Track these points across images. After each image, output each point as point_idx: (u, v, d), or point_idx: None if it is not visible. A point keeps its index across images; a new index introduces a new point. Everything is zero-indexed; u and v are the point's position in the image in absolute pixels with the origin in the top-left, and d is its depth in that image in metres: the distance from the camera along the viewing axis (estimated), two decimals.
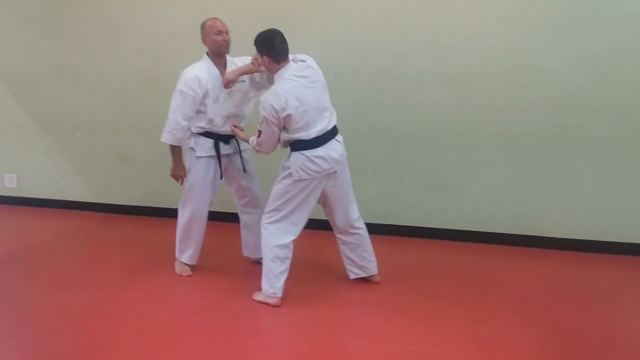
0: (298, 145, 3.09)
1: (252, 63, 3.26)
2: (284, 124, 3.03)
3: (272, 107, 2.95)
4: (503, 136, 4.11)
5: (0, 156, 5.49)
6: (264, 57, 3.08)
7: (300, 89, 3.00)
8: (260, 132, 3.09)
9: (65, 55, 5.05)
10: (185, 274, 3.69)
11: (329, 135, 3.12)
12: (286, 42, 3.07)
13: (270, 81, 3.19)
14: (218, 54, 3.39)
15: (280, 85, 3.01)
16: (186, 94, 3.30)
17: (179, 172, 3.50)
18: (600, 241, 4.09)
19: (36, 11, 5.03)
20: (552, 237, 4.16)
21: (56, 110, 5.19)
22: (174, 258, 3.76)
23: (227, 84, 3.32)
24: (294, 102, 2.96)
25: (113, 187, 5.21)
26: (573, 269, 3.83)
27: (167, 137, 3.38)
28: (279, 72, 3.07)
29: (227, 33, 3.35)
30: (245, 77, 3.42)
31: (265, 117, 3.00)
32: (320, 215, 3.46)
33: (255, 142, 3.18)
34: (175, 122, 3.34)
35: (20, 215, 5.24)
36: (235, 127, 3.45)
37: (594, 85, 3.89)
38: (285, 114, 2.96)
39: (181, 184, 3.52)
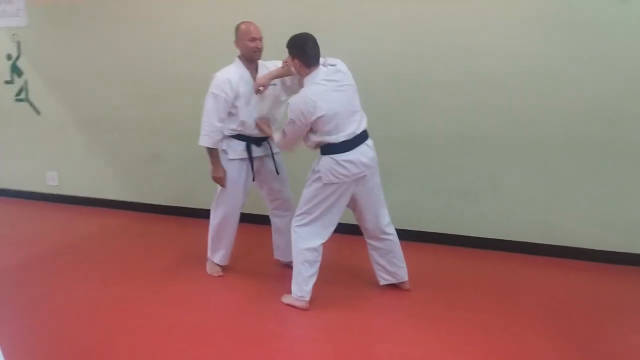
0: (327, 149, 3.09)
1: (283, 65, 3.30)
2: (313, 127, 3.05)
3: (300, 110, 2.98)
4: (535, 143, 4.02)
5: (43, 154, 5.67)
6: (295, 60, 3.10)
7: (329, 92, 3.01)
8: (285, 132, 3.14)
9: (104, 58, 5.20)
10: (216, 274, 3.74)
11: (359, 139, 3.11)
12: (318, 47, 3.09)
13: (301, 85, 3.20)
14: (250, 60, 3.43)
15: (310, 89, 3.03)
16: (218, 96, 3.34)
17: (220, 174, 3.50)
18: (634, 254, 3.95)
19: (78, 16, 5.21)
20: (584, 248, 4.04)
21: (95, 111, 5.34)
22: (205, 258, 3.80)
23: (258, 90, 3.35)
24: (322, 106, 2.97)
25: (148, 187, 5.32)
26: (605, 281, 3.72)
27: (205, 140, 3.42)
28: (309, 76, 3.08)
29: (260, 40, 3.39)
30: (277, 81, 3.45)
31: (292, 119, 3.03)
32: (352, 219, 3.45)
33: (279, 139, 3.26)
34: (211, 125, 3.39)
35: (60, 212, 5.40)
36: (261, 120, 3.47)
37: (634, 92, 3.77)
38: (313, 117, 2.98)
39: (223, 186, 3.53)
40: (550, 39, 3.87)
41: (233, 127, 3.46)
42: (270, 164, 3.61)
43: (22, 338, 2.91)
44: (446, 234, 4.38)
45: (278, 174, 3.61)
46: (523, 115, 4.02)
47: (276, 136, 3.29)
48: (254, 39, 3.36)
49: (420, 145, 4.30)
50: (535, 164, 4.05)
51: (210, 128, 3.39)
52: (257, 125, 3.47)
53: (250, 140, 3.51)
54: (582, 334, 2.98)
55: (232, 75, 3.37)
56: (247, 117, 3.44)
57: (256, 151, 3.55)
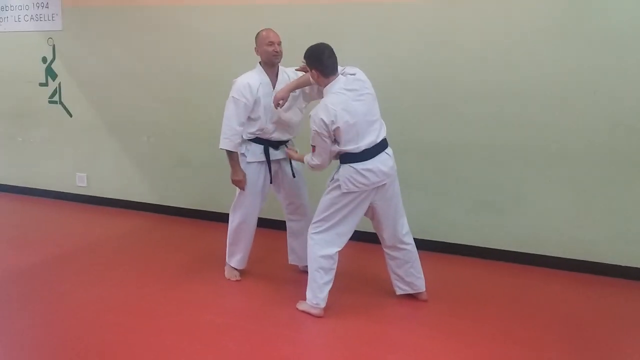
0: (347, 158, 3.09)
1: (298, 70, 3.38)
2: (334, 137, 3.06)
3: (322, 120, 2.99)
4: (561, 155, 3.95)
5: (73, 156, 5.81)
6: (312, 71, 3.12)
7: (349, 102, 3.02)
8: (314, 147, 3.13)
9: (133, 61, 5.31)
10: (233, 279, 3.76)
11: (379, 148, 3.11)
12: (335, 56, 3.10)
13: (320, 94, 3.22)
14: (270, 64, 3.48)
15: (329, 98, 3.04)
16: (238, 101, 3.40)
17: (239, 177, 3.52)
18: None
19: (109, 21, 5.33)
20: (610, 264, 3.94)
21: (124, 114, 5.45)
22: (224, 262, 3.84)
23: (278, 104, 3.36)
24: (343, 115, 2.98)
25: (172, 190, 5.39)
26: (632, 298, 3.62)
27: (225, 144, 3.46)
28: (328, 86, 3.10)
29: (278, 44, 3.44)
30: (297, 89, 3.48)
31: (316, 130, 3.03)
32: (369, 227, 3.44)
33: (310, 159, 3.21)
34: (231, 128, 3.43)
35: (87, 213, 5.51)
36: (289, 149, 3.53)
37: None
38: (334, 127, 2.99)
39: (242, 189, 3.55)
40: (577, 49, 3.81)
41: (252, 130, 3.50)
42: (287, 167, 3.64)
43: (41, 335, 2.98)
44: (466, 245, 4.32)
45: (294, 177, 3.63)
46: (547, 127, 3.96)
47: (307, 157, 3.26)
48: (271, 43, 3.41)
49: (442, 155, 4.27)
50: (559, 176, 3.98)
51: (231, 132, 3.43)
52: (288, 155, 3.51)
53: (268, 144, 3.55)
54: (602, 351, 2.91)
55: (252, 80, 3.43)
56: (267, 122, 3.48)
57: (274, 154, 3.58)
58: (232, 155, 3.50)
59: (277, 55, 3.45)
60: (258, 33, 3.47)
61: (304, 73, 3.39)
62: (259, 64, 3.52)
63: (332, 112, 2.97)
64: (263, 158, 3.54)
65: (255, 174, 3.57)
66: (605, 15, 3.73)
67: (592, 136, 3.86)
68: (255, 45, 3.49)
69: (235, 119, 3.42)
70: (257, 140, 3.55)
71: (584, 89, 3.84)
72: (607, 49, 3.75)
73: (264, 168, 3.57)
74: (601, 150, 3.85)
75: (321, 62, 3.08)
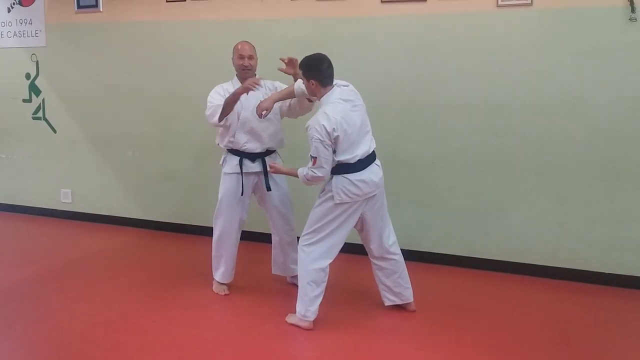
0: (341, 169, 3.12)
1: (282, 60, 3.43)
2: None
3: (324, 127, 2.97)
4: (543, 165, 4.03)
5: (58, 172, 5.76)
6: (310, 80, 3.12)
7: (347, 112, 3.06)
8: (314, 158, 3.04)
9: (116, 76, 5.31)
10: (222, 293, 3.75)
11: (370, 158, 3.17)
12: (332, 67, 3.14)
13: (304, 109, 3.24)
14: (241, 77, 3.54)
15: (329, 107, 3.05)
16: (213, 94, 3.52)
17: (243, 85, 3.36)
18: None
19: (93, 36, 5.34)
20: (594, 272, 4.00)
21: (109, 129, 5.43)
22: (212, 276, 3.83)
23: (262, 114, 3.33)
24: (342, 124, 3.01)
25: (158, 204, 5.37)
26: (617, 305, 3.67)
27: (212, 117, 3.45)
28: (325, 96, 3.13)
29: (249, 58, 3.50)
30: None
31: (319, 139, 2.99)
32: (357, 239, 3.46)
33: (308, 172, 3.09)
34: (211, 102, 3.48)
35: (73, 229, 5.46)
36: (272, 166, 3.44)
37: (638, 116, 3.78)
38: (335, 134, 3.00)
39: (256, 83, 3.33)
40: (560, 63, 3.91)
41: (224, 141, 3.57)
42: (263, 180, 3.63)
43: (26, 354, 2.94)
44: (452, 255, 4.36)
45: (269, 190, 3.61)
46: (529, 137, 4.04)
47: (302, 171, 3.14)
48: (241, 57, 3.49)
49: (427, 166, 4.32)
50: (542, 185, 4.06)
51: (212, 108, 3.45)
52: (273, 169, 3.43)
53: (244, 156, 3.56)
54: (586, 357, 2.95)
55: (226, 86, 3.54)
56: (237, 132, 3.52)
57: (250, 167, 3.58)
58: (225, 109, 3.41)
59: (246, 69, 3.50)
60: (235, 45, 3.54)
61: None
62: (235, 76, 3.60)
63: (333, 120, 2.98)
64: (239, 170, 3.56)
65: (232, 185, 3.59)
66: (584, 26, 3.83)
67: (573, 145, 3.94)
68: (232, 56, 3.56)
69: (214, 98, 3.49)
70: (233, 151, 3.58)
71: (563, 99, 3.92)
72: (586, 60, 3.85)
73: (240, 179, 3.58)
74: (582, 159, 3.93)
75: (321, 71, 3.09)
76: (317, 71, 3.11)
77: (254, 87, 3.29)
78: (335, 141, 3.03)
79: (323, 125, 2.98)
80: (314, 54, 3.16)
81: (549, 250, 4.10)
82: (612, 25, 3.76)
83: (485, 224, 4.24)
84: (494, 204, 4.20)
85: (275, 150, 3.69)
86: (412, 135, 4.33)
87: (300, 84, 3.26)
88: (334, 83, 3.16)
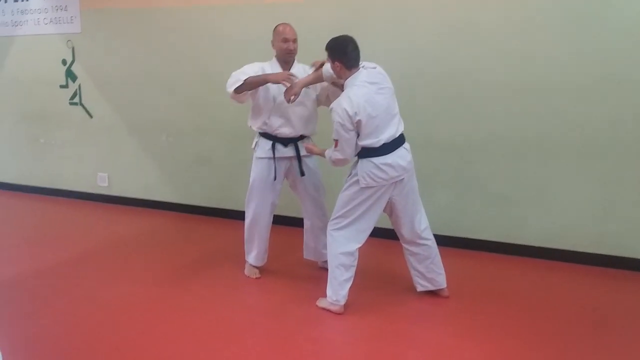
0: (366, 153, 3.06)
1: (313, 65, 3.36)
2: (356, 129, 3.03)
3: (346, 111, 2.94)
4: (587, 148, 3.86)
5: (94, 156, 5.86)
6: (335, 62, 3.07)
7: (371, 94, 2.99)
8: (336, 141, 3.06)
9: (150, 61, 5.34)
10: (253, 276, 3.76)
11: (397, 142, 3.08)
12: (358, 49, 3.07)
13: (333, 96, 3.19)
14: (283, 60, 3.48)
15: (352, 90, 3.00)
16: (245, 68, 3.43)
17: (279, 75, 3.33)
18: None
19: (127, 22, 5.37)
20: (634, 258, 3.85)
21: (144, 114, 5.49)
22: (244, 260, 3.84)
23: (290, 99, 3.30)
24: (365, 107, 2.95)
25: (192, 188, 5.41)
26: None
27: (231, 84, 3.37)
28: (350, 79, 3.07)
29: (294, 41, 3.43)
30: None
31: (339, 122, 2.98)
32: (389, 223, 3.40)
33: (331, 154, 3.13)
34: (237, 72, 3.39)
35: (109, 212, 5.56)
36: (307, 145, 3.48)
37: None
38: (357, 118, 2.95)
39: (288, 77, 3.31)
40: (604, 41, 3.73)
41: (258, 124, 3.53)
42: (297, 164, 3.60)
43: (65, 332, 3.00)
44: (488, 241, 4.25)
45: (303, 175, 3.58)
46: (570, 119, 3.88)
47: (328, 152, 3.18)
48: (286, 40, 3.40)
49: (462, 149, 4.20)
50: (583, 169, 3.90)
51: (233, 78, 3.37)
52: (308, 150, 3.46)
53: (276, 140, 3.53)
54: (629, 347, 2.84)
55: (264, 65, 3.47)
56: (271, 116, 3.47)
57: (282, 151, 3.55)
58: (247, 84, 3.32)
59: (291, 53, 3.45)
60: (276, 27, 3.46)
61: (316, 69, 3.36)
62: (274, 58, 3.52)
63: (355, 104, 2.93)
64: (271, 154, 3.53)
65: (265, 169, 3.56)
66: (629, 5, 3.64)
67: (618, 127, 3.77)
68: (272, 39, 3.48)
69: (242, 70, 3.40)
70: (266, 135, 3.54)
71: (607, 80, 3.75)
72: (630, 37, 3.66)
73: (273, 164, 3.55)
74: (627, 141, 3.76)
75: (345, 53, 3.03)
76: (342, 53, 3.05)
77: (287, 84, 3.27)
78: (358, 125, 2.98)
79: (345, 109, 2.94)
80: (339, 36, 3.10)
81: (590, 236, 3.96)
82: None
83: (524, 209, 4.11)
84: (533, 188, 4.06)
85: (308, 136, 3.65)
86: (447, 118, 4.21)
87: (328, 68, 3.20)
88: (360, 65, 3.09)
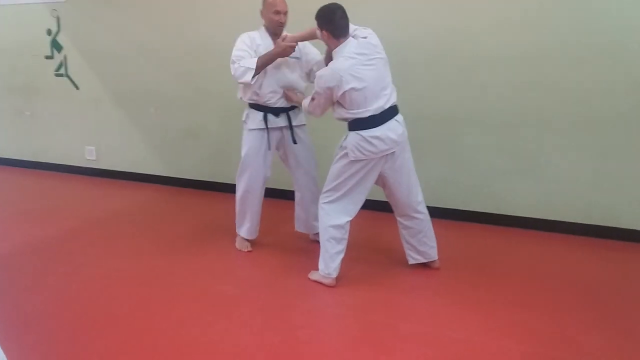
0: (354, 125, 3.03)
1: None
2: (340, 101, 3.00)
3: (327, 84, 2.95)
4: (580, 119, 3.85)
5: (82, 129, 5.78)
6: (323, 31, 3.03)
7: (357, 66, 2.93)
8: (313, 98, 3.11)
9: (140, 32, 5.23)
10: (245, 250, 3.74)
11: (387, 114, 3.03)
12: (347, 18, 3.00)
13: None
14: (273, 32, 3.44)
15: (338, 62, 2.96)
16: (238, 47, 3.39)
17: (280, 46, 3.30)
18: None
19: None
20: (630, 229, 3.87)
21: (132, 86, 5.40)
22: (235, 233, 3.82)
23: (283, 39, 3.31)
24: (349, 80, 2.91)
25: (181, 162, 5.37)
26: None
27: (247, 76, 3.31)
28: (338, 49, 3.01)
29: (285, 14, 3.38)
30: (300, 54, 3.44)
31: (318, 91, 3.03)
32: (382, 196, 3.39)
33: (307, 105, 3.19)
34: (239, 57, 3.34)
35: (98, 186, 5.51)
36: (289, 90, 3.46)
37: None
38: (340, 92, 2.93)
39: (290, 48, 3.31)
40: (600, 12, 3.69)
41: (249, 95, 3.47)
42: (289, 135, 3.57)
43: (56, 307, 2.98)
44: (482, 212, 4.27)
45: (295, 143, 3.56)
46: (565, 90, 3.86)
47: (305, 101, 3.25)
48: (278, 12, 3.36)
49: (456, 121, 4.18)
50: (576, 140, 3.90)
51: (242, 69, 3.31)
52: (285, 94, 3.44)
53: (267, 110, 3.49)
54: (622, 317, 2.86)
55: (253, 35, 3.44)
56: (262, 87, 3.43)
57: (274, 122, 3.52)
58: (261, 64, 3.30)
59: (282, 25, 3.40)
60: None
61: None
62: (263, 27, 3.47)
63: (337, 78, 2.91)
64: (263, 125, 3.49)
65: (257, 141, 3.53)
66: None
67: (613, 99, 3.75)
68: (261, 8, 3.42)
69: (242, 52, 3.36)
70: (256, 106, 3.50)
71: (603, 52, 3.71)
72: (626, 8, 3.62)
73: (265, 135, 3.52)
74: (621, 114, 3.75)
75: (332, 22, 2.98)
76: (328, 21, 2.99)
77: (291, 52, 3.30)
78: (342, 98, 2.96)
79: (325, 81, 2.97)
80: (327, 5, 3.04)
81: (583, 207, 3.98)
82: None
83: (515, 181, 4.11)
84: (524, 159, 4.06)
85: (297, 107, 3.60)
86: (442, 90, 4.18)
87: None
88: (350, 33, 3.03)
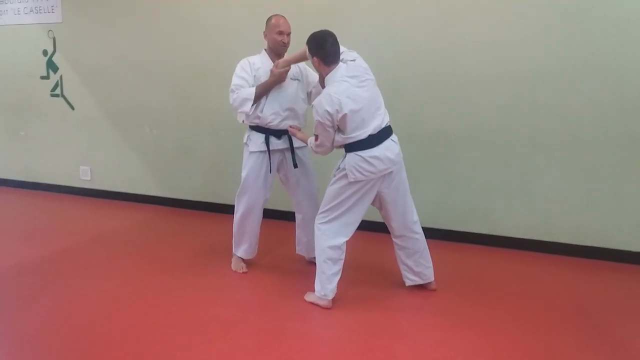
0: (353, 146, 3.04)
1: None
2: (340, 126, 3.01)
3: (326, 111, 2.93)
4: (571, 140, 3.89)
5: (76, 149, 5.77)
6: (314, 58, 3.07)
7: (352, 89, 2.96)
8: (316, 135, 3.09)
9: (133, 51, 5.27)
10: (240, 271, 3.72)
11: (384, 134, 3.06)
12: (338, 45, 3.04)
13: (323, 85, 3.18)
14: (275, 52, 3.46)
15: (333, 87, 2.98)
16: (237, 75, 3.44)
17: (276, 71, 3.35)
18: None
19: (109, 11, 5.30)
20: (621, 250, 3.89)
21: (127, 106, 5.41)
22: (231, 254, 3.80)
23: (280, 72, 3.35)
24: (348, 103, 2.92)
25: (177, 182, 5.35)
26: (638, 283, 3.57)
27: (241, 117, 3.44)
28: (330, 75, 3.05)
29: (288, 35, 3.42)
30: (300, 77, 3.48)
31: (319, 121, 2.99)
32: (378, 216, 3.39)
33: (313, 144, 3.18)
34: (239, 96, 3.39)
35: (91, 206, 5.48)
36: (292, 127, 3.45)
37: None
38: (340, 115, 2.93)
39: (282, 78, 3.38)
40: (588, 32, 3.75)
41: (250, 118, 3.48)
42: (290, 157, 3.58)
43: (49, 330, 2.95)
44: (475, 233, 4.27)
45: (296, 167, 3.56)
46: (556, 111, 3.90)
47: (310, 140, 3.23)
48: (281, 33, 3.39)
49: (449, 141, 4.21)
50: (569, 161, 3.93)
51: (240, 99, 3.38)
52: (290, 132, 3.45)
53: (269, 132, 3.50)
54: (614, 337, 2.86)
55: (253, 59, 3.47)
56: (264, 109, 3.43)
57: (276, 144, 3.53)
58: (258, 93, 3.37)
59: (285, 46, 3.43)
60: (269, 18, 3.43)
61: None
62: (264, 50, 3.50)
63: (336, 102, 2.92)
64: (265, 148, 3.50)
65: (258, 163, 3.54)
66: None
67: (603, 120, 3.79)
68: (264, 30, 3.46)
69: (239, 84, 3.41)
70: (257, 128, 3.50)
71: (593, 73, 3.77)
72: (617, 31, 3.68)
73: (266, 157, 3.53)
74: (611, 134, 3.79)
75: (324, 49, 3.01)
76: (320, 49, 3.03)
77: (285, 77, 3.37)
78: (342, 120, 2.96)
79: (326, 110, 2.93)
80: (318, 32, 3.07)
81: (575, 228, 3.99)
82: None
83: (510, 201, 4.13)
84: (519, 180, 4.08)
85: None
86: (433, 110, 4.21)
87: None
88: (340, 59, 3.06)
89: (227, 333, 2.90)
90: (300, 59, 3.33)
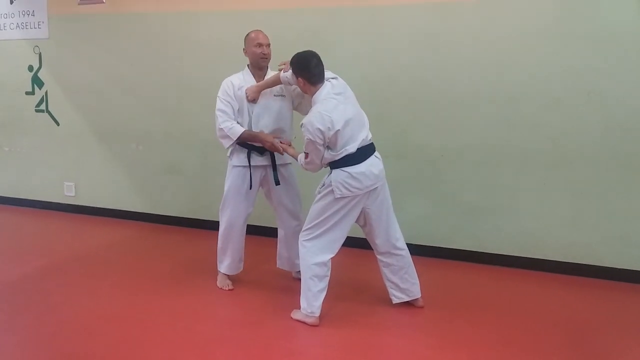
0: (339, 162, 3.05)
1: (279, 68, 3.35)
2: (329, 144, 3.03)
3: (318, 129, 2.95)
4: (556, 157, 3.92)
5: (61, 165, 5.71)
6: (299, 78, 3.10)
7: (340, 106, 3.01)
8: (307, 153, 3.09)
9: (120, 68, 5.25)
10: (226, 288, 3.68)
11: (368, 150, 3.10)
12: (322, 65, 3.08)
13: (304, 108, 3.20)
14: (257, 66, 3.48)
15: (322, 105, 3.01)
16: (222, 99, 3.45)
17: (269, 139, 3.40)
18: None
19: (96, 28, 5.28)
20: (608, 267, 3.90)
21: (112, 122, 5.38)
22: (216, 271, 3.76)
23: (251, 99, 3.41)
24: (338, 119, 2.96)
25: (163, 198, 5.31)
26: (631, 301, 3.58)
27: (227, 143, 3.48)
28: (316, 95, 3.08)
29: (267, 46, 3.44)
30: (285, 92, 3.49)
31: (310, 139, 3.00)
32: (362, 233, 3.38)
33: (303, 161, 3.18)
34: (223, 121, 3.42)
35: (76, 223, 5.42)
36: (283, 142, 3.44)
37: None
38: (332, 133, 2.96)
39: (279, 148, 3.40)
40: (572, 50, 3.80)
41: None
42: (271, 173, 3.57)
43: (30, 348, 2.89)
44: (462, 250, 4.27)
45: (278, 184, 3.55)
46: (542, 128, 3.93)
47: (300, 157, 3.23)
48: (260, 45, 3.42)
49: (435, 158, 4.22)
50: (555, 178, 3.95)
51: (224, 125, 3.42)
52: (282, 148, 3.42)
53: (251, 148, 3.50)
54: (603, 355, 2.87)
55: (235, 79, 3.47)
56: (250, 126, 3.46)
57: (257, 160, 3.52)
58: (244, 138, 3.43)
59: (265, 57, 3.45)
60: (247, 34, 3.47)
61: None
62: (247, 67, 3.52)
63: (327, 120, 2.94)
64: (246, 163, 3.49)
65: (239, 178, 3.53)
66: (599, 16, 3.71)
67: (587, 137, 3.83)
68: (244, 47, 3.48)
69: (224, 115, 3.44)
70: (241, 144, 3.51)
71: (578, 90, 3.81)
72: (601, 50, 3.73)
73: (248, 173, 3.52)
74: (596, 152, 3.82)
75: (308, 70, 3.05)
76: (304, 69, 3.06)
77: (282, 151, 3.40)
78: (334, 137, 2.98)
79: (318, 128, 2.95)
80: (302, 52, 3.11)
81: (562, 245, 4.00)
82: (628, 14, 3.64)
83: (497, 219, 4.14)
84: (505, 198, 4.09)
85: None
86: (420, 128, 4.23)
87: (286, 74, 3.25)
88: (324, 78, 3.10)
89: (213, 351, 2.87)
90: (273, 83, 3.39)
